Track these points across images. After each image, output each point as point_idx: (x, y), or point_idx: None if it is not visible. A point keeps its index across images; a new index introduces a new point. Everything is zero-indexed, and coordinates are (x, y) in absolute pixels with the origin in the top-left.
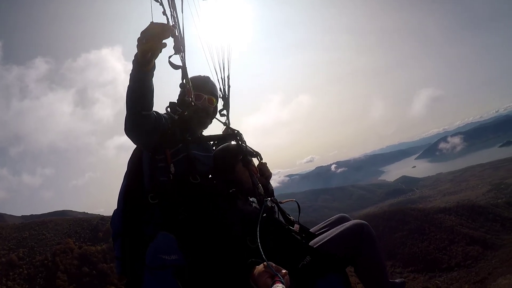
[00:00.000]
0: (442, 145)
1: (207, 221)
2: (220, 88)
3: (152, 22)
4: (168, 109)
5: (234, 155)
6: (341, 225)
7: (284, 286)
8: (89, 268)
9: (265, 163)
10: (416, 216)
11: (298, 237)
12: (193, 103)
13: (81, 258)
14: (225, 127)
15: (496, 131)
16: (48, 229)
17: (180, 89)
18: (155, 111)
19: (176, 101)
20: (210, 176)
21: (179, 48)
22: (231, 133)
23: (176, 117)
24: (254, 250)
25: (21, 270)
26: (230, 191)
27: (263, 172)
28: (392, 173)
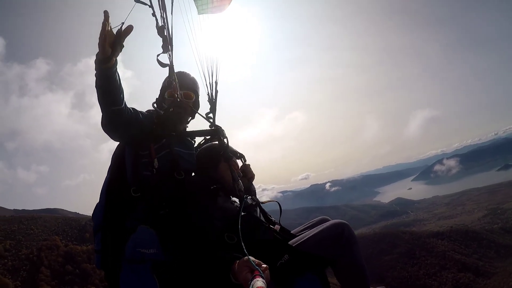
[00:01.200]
0: (437, 167)
1: (187, 217)
2: (208, 92)
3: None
4: (155, 105)
5: (217, 153)
6: (321, 224)
7: (263, 281)
8: (73, 267)
9: (249, 165)
10: (407, 239)
11: (278, 236)
12: (178, 99)
13: (66, 256)
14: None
15: (494, 154)
16: (37, 225)
17: (163, 85)
18: (132, 108)
19: (158, 98)
20: (193, 173)
21: (167, 47)
22: (213, 129)
23: (162, 112)
24: (233, 246)
25: (6, 261)
26: (212, 187)
27: (246, 173)
28: (388, 194)
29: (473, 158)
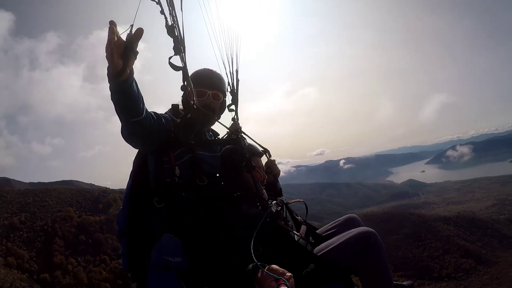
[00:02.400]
0: (450, 153)
1: (212, 224)
2: (228, 82)
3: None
4: (171, 112)
5: (239, 161)
6: (348, 232)
7: None
8: (86, 237)
9: (274, 160)
10: (414, 221)
11: (304, 241)
12: (195, 106)
13: (79, 226)
14: (231, 124)
15: (509, 146)
16: (52, 197)
17: (182, 91)
18: (153, 112)
19: (180, 103)
20: (218, 175)
21: (179, 49)
22: (234, 138)
23: (179, 120)
24: (259, 255)
25: (21, 233)
26: (235, 194)
27: (271, 169)
28: (401, 175)
29: (488, 147)
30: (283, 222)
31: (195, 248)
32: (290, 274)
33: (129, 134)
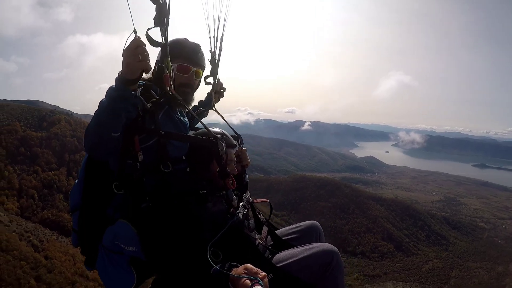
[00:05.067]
0: (401, 134)
1: (172, 218)
2: (210, 49)
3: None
4: (141, 91)
5: (208, 153)
6: (310, 246)
7: None
8: (25, 149)
9: (245, 150)
10: (348, 193)
11: (263, 247)
12: (171, 93)
13: (22, 139)
14: (205, 98)
15: (477, 150)
16: (4, 112)
17: (157, 70)
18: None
19: (151, 80)
20: (184, 159)
21: (162, 21)
22: (211, 140)
23: (149, 105)
24: (219, 262)
25: None
26: (201, 192)
27: (241, 159)
28: (364, 150)
29: (457, 145)
30: (246, 223)
31: (152, 239)
32: (264, 273)
33: (97, 147)
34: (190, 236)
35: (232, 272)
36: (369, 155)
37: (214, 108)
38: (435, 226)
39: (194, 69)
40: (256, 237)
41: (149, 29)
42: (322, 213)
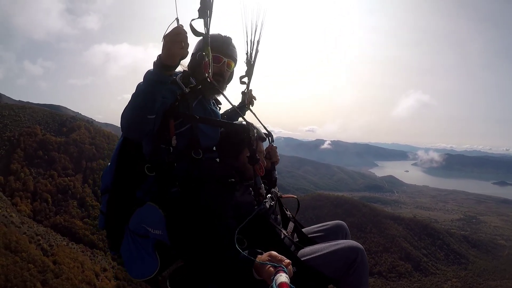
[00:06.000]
0: (420, 153)
1: (200, 204)
2: (246, 51)
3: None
4: (181, 77)
5: (240, 143)
6: (336, 242)
7: (287, 276)
8: (43, 153)
9: (275, 147)
10: (365, 212)
11: (289, 241)
12: (209, 80)
13: (40, 143)
14: (241, 97)
15: (497, 168)
16: (25, 114)
17: (197, 47)
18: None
19: (188, 68)
20: (215, 149)
21: (205, 12)
22: (244, 125)
23: (187, 90)
24: (244, 249)
25: None
26: (230, 180)
27: (271, 156)
28: (384, 170)
29: (477, 164)
30: (273, 217)
31: (179, 225)
32: (288, 261)
33: (135, 129)
34: (216, 222)
35: (256, 258)
36: (388, 174)
37: (247, 106)
38: (454, 245)
39: (226, 59)
40: (282, 231)
41: (193, 19)
42: None
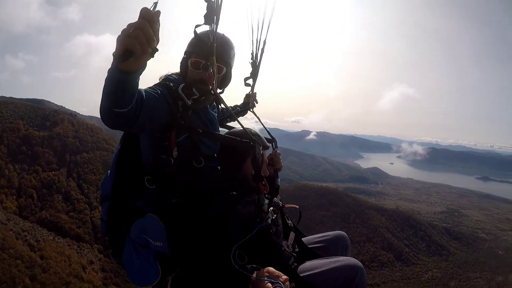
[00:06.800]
0: (404, 146)
1: (201, 216)
2: (252, 52)
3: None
4: (182, 88)
5: (242, 154)
6: (336, 259)
7: None
8: (27, 148)
9: (279, 153)
10: (349, 203)
11: (289, 255)
12: (213, 92)
13: (24, 138)
14: (244, 99)
15: (481, 163)
16: (8, 109)
17: (187, 49)
18: (148, 104)
19: (181, 64)
20: (216, 156)
21: (212, 19)
22: (249, 144)
23: (190, 102)
24: (244, 265)
25: None
26: (231, 193)
27: (274, 163)
28: (369, 161)
29: (461, 158)
30: (274, 229)
31: (179, 238)
32: (285, 277)
33: (106, 119)
34: (216, 236)
35: (254, 275)
36: (373, 166)
37: (252, 110)
38: (436, 237)
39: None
40: (283, 243)
41: (197, 26)
42: (322, 222)
